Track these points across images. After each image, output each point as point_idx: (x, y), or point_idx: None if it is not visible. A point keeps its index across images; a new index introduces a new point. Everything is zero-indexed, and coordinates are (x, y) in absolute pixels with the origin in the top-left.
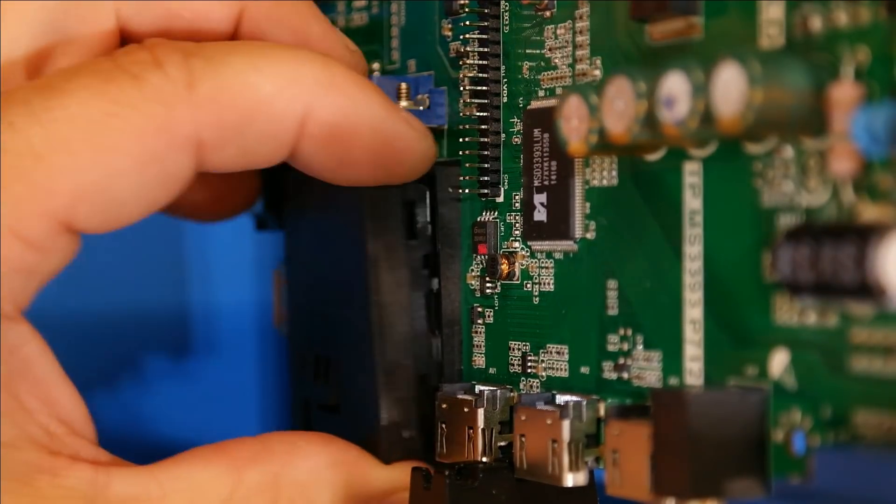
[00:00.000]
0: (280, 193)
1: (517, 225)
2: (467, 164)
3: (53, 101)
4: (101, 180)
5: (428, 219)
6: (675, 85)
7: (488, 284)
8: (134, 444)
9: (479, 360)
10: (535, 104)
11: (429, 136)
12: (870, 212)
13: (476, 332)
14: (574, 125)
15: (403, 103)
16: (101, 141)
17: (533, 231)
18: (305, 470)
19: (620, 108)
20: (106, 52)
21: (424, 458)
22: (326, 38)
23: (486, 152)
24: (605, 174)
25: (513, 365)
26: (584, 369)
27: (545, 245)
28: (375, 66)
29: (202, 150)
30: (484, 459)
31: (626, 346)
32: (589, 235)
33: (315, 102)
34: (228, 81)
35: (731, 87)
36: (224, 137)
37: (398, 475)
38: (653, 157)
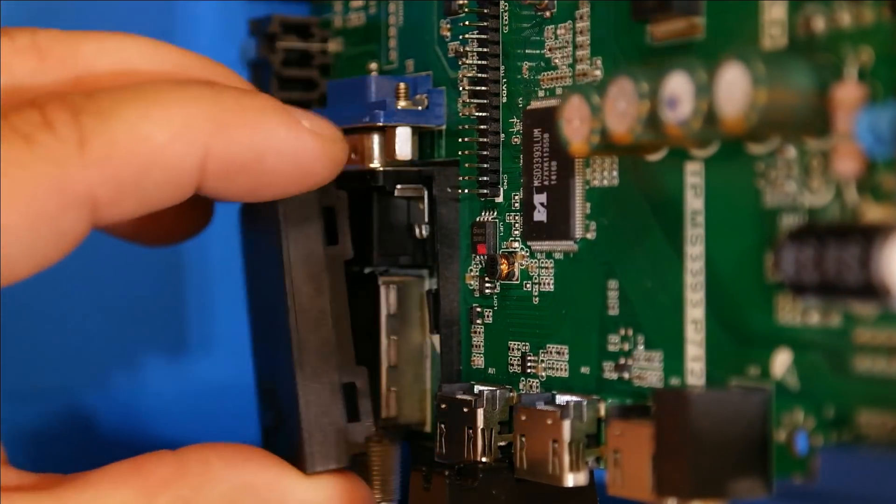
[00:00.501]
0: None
1: (517, 225)
2: (466, 165)
3: None
4: None
5: (426, 219)
6: (679, 85)
7: (487, 284)
8: (132, 443)
9: (479, 361)
10: (534, 104)
11: (337, 139)
12: (873, 212)
13: (475, 333)
14: (576, 125)
15: (402, 103)
16: None
17: (533, 231)
18: (218, 495)
19: (623, 108)
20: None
21: (354, 468)
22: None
23: (485, 152)
24: (605, 174)
25: (512, 365)
26: (585, 369)
27: (545, 245)
28: (373, 65)
29: (97, 206)
30: (484, 459)
31: (626, 347)
32: (589, 236)
33: (211, 141)
34: (120, 136)
35: (734, 87)
36: (120, 192)
37: (320, 489)
38: (654, 157)
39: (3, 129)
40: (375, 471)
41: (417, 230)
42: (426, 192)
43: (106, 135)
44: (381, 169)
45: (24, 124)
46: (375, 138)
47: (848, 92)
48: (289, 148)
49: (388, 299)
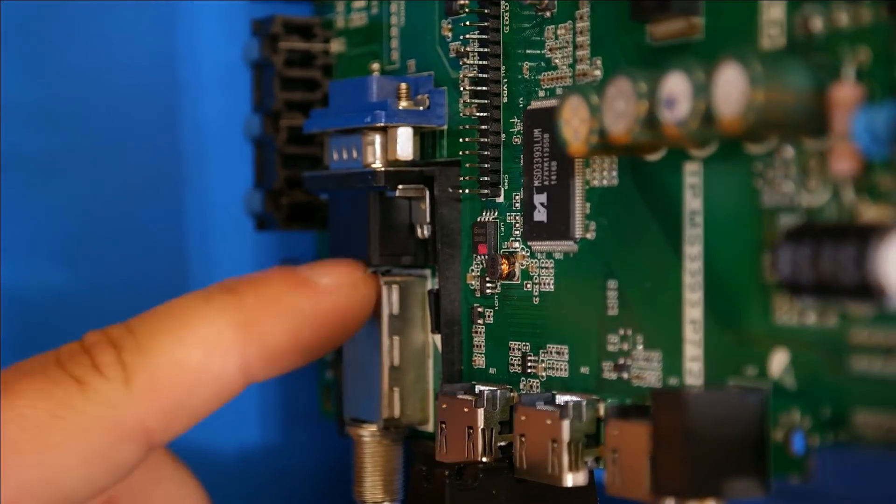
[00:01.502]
0: None
1: (517, 225)
2: (467, 165)
3: (5, 400)
4: (48, 477)
5: (428, 219)
6: (676, 85)
7: (488, 284)
8: None
9: (480, 361)
10: (535, 104)
11: (358, 281)
12: (870, 212)
13: (476, 332)
14: (575, 126)
15: (403, 103)
16: (47, 441)
17: (533, 231)
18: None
19: (621, 108)
20: None
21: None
22: None
23: (486, 152)
24: (605, 174)
25: (513, 365)
26: (584, 369)
27: (545, 245)
28: (375, 66)
29: (150, 434)
30: (484, 459)
31: (626, 347)
32: (589, 236)
33: (245, 345)
34: (160, 367)
35: (732, 87)
36: (170, 417)
37: None
38: (653, 157)
39: (59, 374)
40: (378, 471)
41: (419, 230)
42: (427, 193)
43: (147, 369)
44: (383, 169)
45: (75, 368)
46: (377, 138)
47: (845, 92)
48: (318, 316)
49: (390, 299)
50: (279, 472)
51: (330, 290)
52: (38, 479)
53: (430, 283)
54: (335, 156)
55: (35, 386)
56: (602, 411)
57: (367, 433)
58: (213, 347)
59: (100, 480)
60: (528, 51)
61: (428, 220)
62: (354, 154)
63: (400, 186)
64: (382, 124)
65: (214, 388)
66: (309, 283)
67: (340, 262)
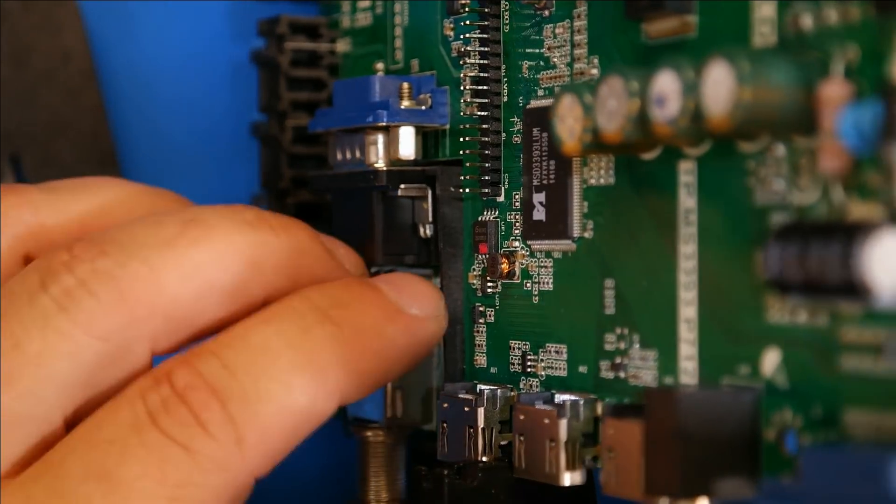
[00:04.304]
0: None
1: (517, 224)
2: (469, 164)
3: (116, 495)
4: None
5: (430, 218)
6: (666, 84)
7: (489, 284)
8: None
9: (481, 360)
10: (534, 103)
11: (440, 311)
12: (859, 210)
13: (478, 332)
14: (569, 124)
15: (405, 103)
16: None
17: (532, 230)
18: None
19: (613, 107)
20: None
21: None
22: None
23: (486, 152)
24: (602, 173)
25: (513, 364)
26: (582, 368)
27: (544, 244)
28: (379, 65)
29: (258, 477)
30: (484, 459)
31: (622, 346)
32: (587, 235)
33: (344, 385)
34: (270, 419)
35: (720, 85)
36: (277, 459)
37: None
38: (649, 155)
39: (162, 441)
40: (381, 470)
41: (422, 229)
42: (430, 192)
43: (257, 422)
44: (385, 169)
45: (178, 430)
46: (379, 138)
47: (834, 90)
48: (409, 350)
49: None
50: (284, 472)
51: (420, 323)
52: None
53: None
54: (339, 156)
55: (144, 470)
56: (600, 410)
57: (371, 433)
58: (320, 390)
59: None
60: (527, 50)
61: (430, 219)
62: (357, 154)
63: (402, 186)
64: (385, 124)
65: (317, 425)
66: (403, 316)
67: (422, 288)
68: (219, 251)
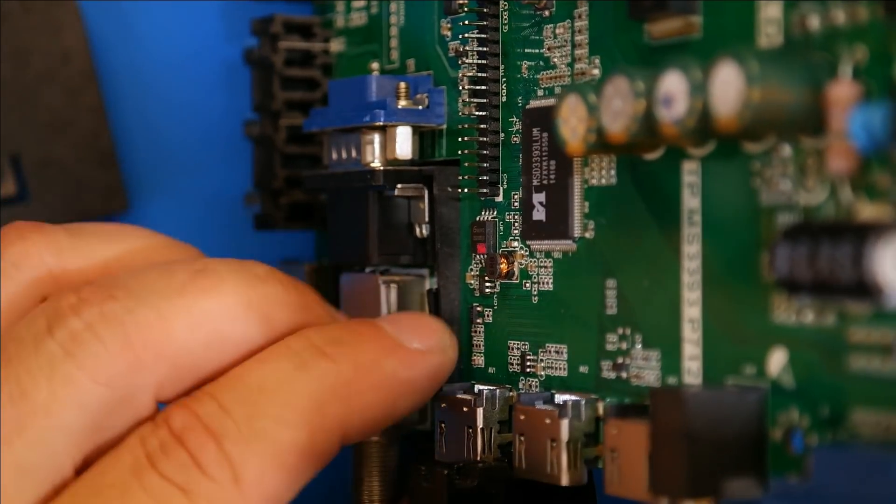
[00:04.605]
0: None
1: (516, 224)
2: (466, 164)
3: None
4: None
5: (426, 218)
6: (673, 84)
7: (487, 284)
8: None
9: (479, 360)
10: (534, 103)
11: (446, 344)
12: (867, 211)
13: (475, 332)
14: (572, 125)
15: (402, 102)
16: None
17: (532, 230)
18: None
19: (618, 107)
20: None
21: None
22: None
23: (485, 152)
24: (603, 173)
25: (512, 364)
26: (583, 368)
27: (544, 244)
28: (374, 65)
29: None
30: (483, 459)
31: (624, 346)
32: (588, 235)
33: (346, 421)
34: (267, 456)
35: (728, 86)
36: (278, 499)
37: None
38: (651, 156)
39: (160, 485)
40: (375, 470)
41: (418, 229)
42: (426, 192)
43: (255, 461)
44: (382, 168)
45: (175, 473)
46: (376, 138)
47: (842, 90)
48: (413, 384)
49: (388, 299)
50: None
51: (422, 356)
52: None
53: (429, 283)
54: (334, 155)
55: None
56: (601, 410)
57: None
58: (318, 427)
59: None
60: (526, 50)
61: (427, 219)
62: (353, 153)
63: (399, 185)
64: (381, 123)
65: (319, 464)
66: (402, 349)
67: (425, 322)
68: (228, 302)
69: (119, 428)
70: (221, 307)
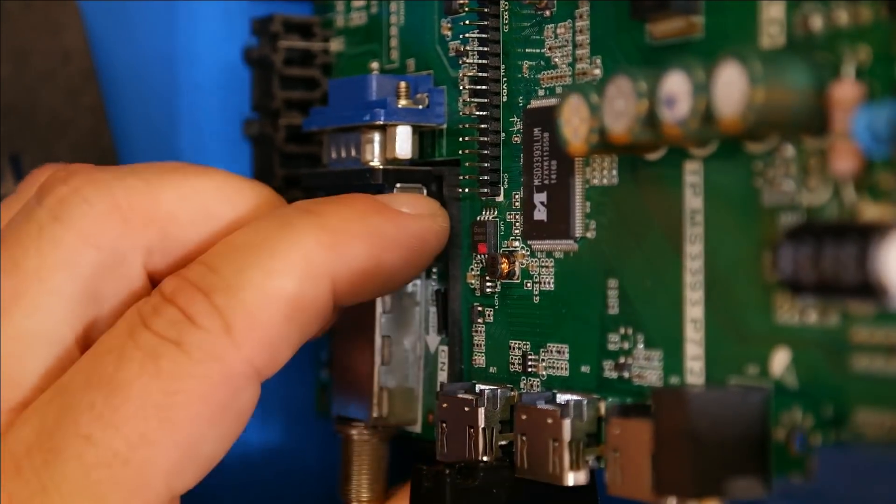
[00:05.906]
0: None
1: (517, 224)
2: (467, 164)
3: (116, 398)
4: (186, 452)
5: None
6: (676, 84)
7: (488, 284)
8: None
9: (480, 360)
10: (534, 103)
11: (436, 212)
12: (871, 211)
13: (476, 332)
14: (575, 125)
15: (402, 102)
16: (173, 420)
17: (533, 230)
18: None
19: (621, 107)
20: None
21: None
22: None
23: (485, 151)
24: (605, 173)
25: (513, 364)
26: (585, 368)
27: (545, 244)
28: (374, 65)
29: (260, 370)
30: (484, 458)
31: (626, 346)
32: (589, 235)
33: (333, 267)
34: (256, 303)
35: (732, 86)
36: (274, 350)
37: None
38: (653, 156)
39: (154, 341)
40: (363, 469)
41: None
42: (425, 192)
43: (244, 308)
44: (381, 168)
45: (168, 328)
46: (376, 137)
47: (845, 91)
48: (400, 242)
49: (383, 299)
50: (278, 471)
51: (409, 217)
52: (178, 459)
53: (425, 283)
54: (334, 154)
55: (139, 369)
56: (603, 410)
57: (356, 432)
58: (305, 274)
59: (231, 434)
60: (527, 50)
61: None
62: (353, 152)
63: (398, 185)
64: (381, 122)
65: (311, 315)
66: (389, 209)
67: (417, 195)
68: (219, 182)
69: (113, 299)
70: (211, 185)
